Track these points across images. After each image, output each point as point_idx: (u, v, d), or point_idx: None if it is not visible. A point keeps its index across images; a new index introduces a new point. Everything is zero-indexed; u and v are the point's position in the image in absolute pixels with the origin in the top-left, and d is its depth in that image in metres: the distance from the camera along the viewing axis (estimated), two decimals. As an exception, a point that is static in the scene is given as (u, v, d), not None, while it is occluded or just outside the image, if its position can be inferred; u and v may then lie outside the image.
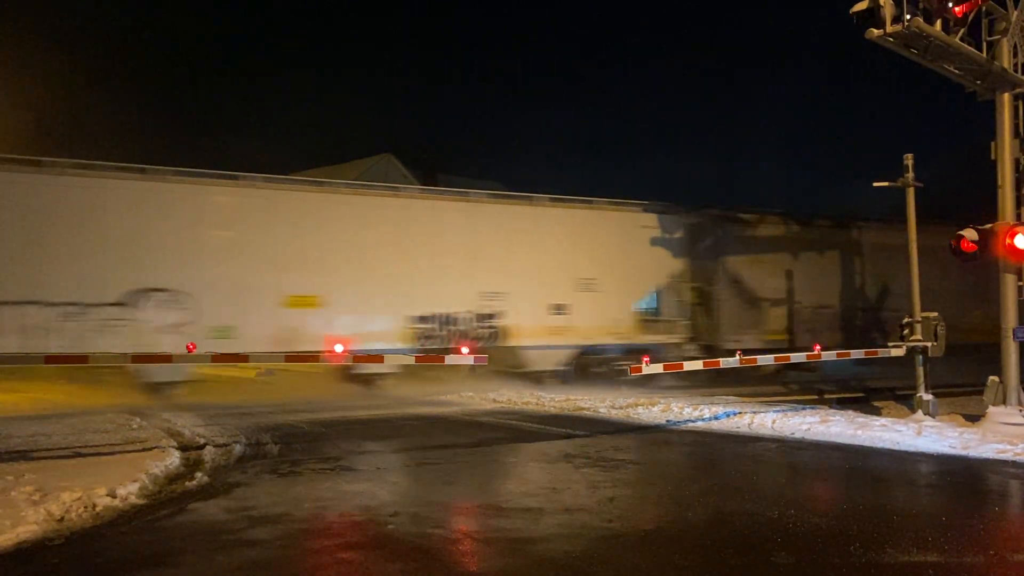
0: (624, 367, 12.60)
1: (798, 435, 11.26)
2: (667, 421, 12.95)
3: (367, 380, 18.02)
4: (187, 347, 10.16)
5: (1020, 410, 11.59)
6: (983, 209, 12.34)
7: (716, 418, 12.85)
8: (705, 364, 12.61)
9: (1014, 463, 9.17)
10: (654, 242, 21.17)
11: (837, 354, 13.84)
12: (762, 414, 12.60)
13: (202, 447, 10.07)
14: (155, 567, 5.64)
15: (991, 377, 12.00)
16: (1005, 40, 11.78)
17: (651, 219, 21.28)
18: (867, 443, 10.53)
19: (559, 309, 19.92)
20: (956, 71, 11.56)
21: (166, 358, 11.07)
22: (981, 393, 12.19)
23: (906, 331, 13.38)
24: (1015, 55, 11.96)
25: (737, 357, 12.27)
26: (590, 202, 21.00)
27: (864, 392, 17.69)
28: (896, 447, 10.24)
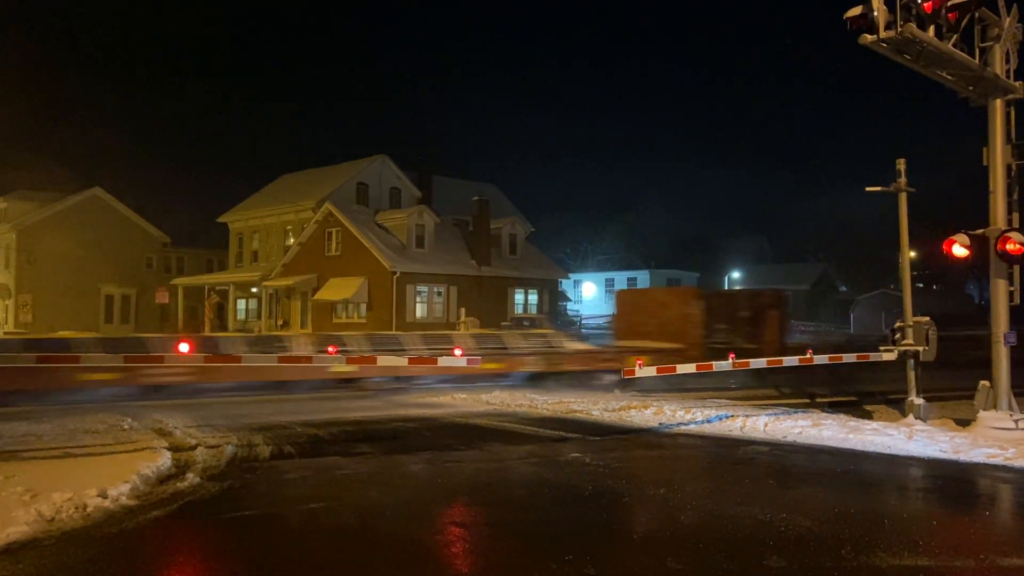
0: None
1: (790, 439, 11.28)
2: (659, 424, 12.96)
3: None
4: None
5: (1011, 415, 11.64)
6: (974, 214, 12.42)
7: (708, 421, 12.86)
8: (698, 368, 12.58)
9: (1005, 467, 9.21)
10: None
11: (830, 358, 13.88)
12: (754, 417, 12.62)
13: (193, 448, 10.03)
14: (145, 569, 5.62)
15: (982, 382, 12.03)
16: (998, 46, 11.84)
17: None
18: (858, 447, 10.56)
19: None
20: (949, 77, 11.60)
21: (158, 359, 11.04)
22: (972, 398, 12.23)
23: (898, 335, 13.41)
24: (1007, 61, 12.02)
25: (730, 360, 12.29)
26: None
27: (856, 396, 17.71)
28: (887, 451, 10.28)
